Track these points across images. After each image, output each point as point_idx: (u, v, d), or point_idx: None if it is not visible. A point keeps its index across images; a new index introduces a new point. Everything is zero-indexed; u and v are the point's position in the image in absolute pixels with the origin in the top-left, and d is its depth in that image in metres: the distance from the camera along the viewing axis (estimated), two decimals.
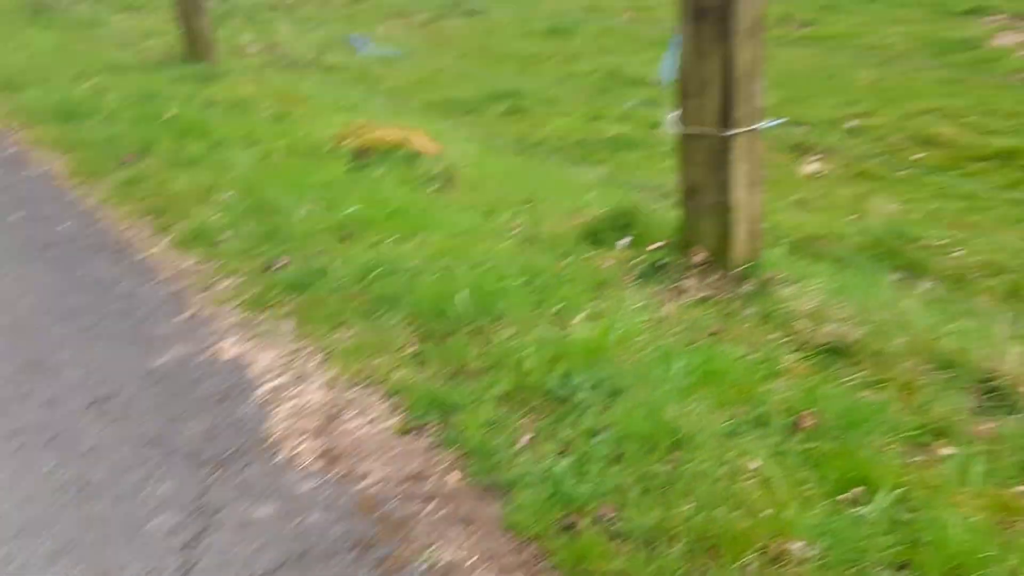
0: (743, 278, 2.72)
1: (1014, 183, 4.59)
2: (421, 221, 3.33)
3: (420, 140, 4.19)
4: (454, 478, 2.04)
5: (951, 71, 6.50)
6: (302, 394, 2.41)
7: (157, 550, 1.86)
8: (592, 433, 2.08)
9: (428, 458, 2.12)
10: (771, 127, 2.67)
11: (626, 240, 3.06)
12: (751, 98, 2.62)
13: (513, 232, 3.24)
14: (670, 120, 2.74)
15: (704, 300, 2.66)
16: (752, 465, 1.92)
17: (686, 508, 1.82)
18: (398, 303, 2.74)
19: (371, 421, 2.28)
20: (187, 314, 2.91)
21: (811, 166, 5.11)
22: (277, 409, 2.35)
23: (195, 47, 6.17)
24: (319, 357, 2.58)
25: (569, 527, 1.82)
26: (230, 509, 1.98)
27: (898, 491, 1.82)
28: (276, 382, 2.48)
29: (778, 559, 1.69)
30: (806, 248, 3.56)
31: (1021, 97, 5.88)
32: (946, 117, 5.55)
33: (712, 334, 2.48)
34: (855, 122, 5.53)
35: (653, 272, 2.84)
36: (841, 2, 8.76)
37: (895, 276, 3.11)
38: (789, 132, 5.40)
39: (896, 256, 3.59)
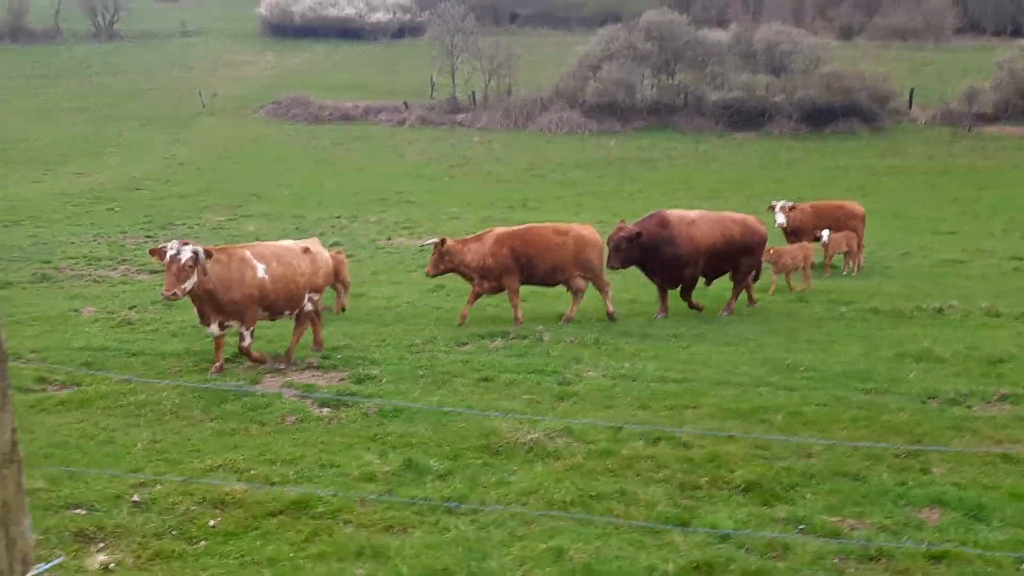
0: None
1: (310, 536, 4.61)
2: None
3: None
4: None
5: (227, 422, 6.55)
6: None
7: None
8: None
9: None
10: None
11: None
12: (15, 544, 2.05)
13: None
14: None
15: None
16: None
17: None
18: None
19: None
20: None
21: (99, 557, 4.45)
22: None
23: None
24: None
25: None
26: None
27: None
28: None
29: None
30: None
31: (298, 440, 6.15)
32: (233, 473, 5.48)
33: None
34: (138, 496, 5.07)
35: None
36: (100, 358, 8.38)
37: None
38: (69, 520, 4.70)
39: None
